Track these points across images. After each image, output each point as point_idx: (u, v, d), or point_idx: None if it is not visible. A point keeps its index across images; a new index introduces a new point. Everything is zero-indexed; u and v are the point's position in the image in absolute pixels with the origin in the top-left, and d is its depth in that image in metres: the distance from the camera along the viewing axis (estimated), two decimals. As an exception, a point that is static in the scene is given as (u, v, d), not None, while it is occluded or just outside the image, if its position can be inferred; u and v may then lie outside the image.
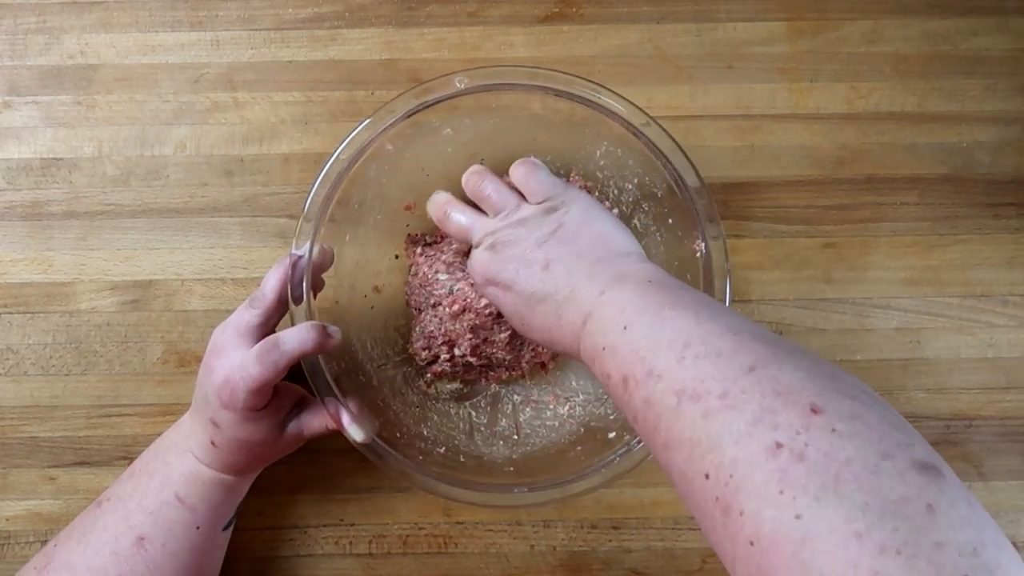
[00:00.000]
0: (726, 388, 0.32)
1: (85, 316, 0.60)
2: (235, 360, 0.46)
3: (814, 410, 0.30)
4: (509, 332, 0.55)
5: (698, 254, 0.51)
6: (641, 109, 0.51)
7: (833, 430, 0.29)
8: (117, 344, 0.60)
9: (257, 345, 0.46)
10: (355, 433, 0.49)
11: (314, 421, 0.51)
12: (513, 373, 0.58)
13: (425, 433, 0.55)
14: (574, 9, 0.62)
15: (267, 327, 0.49)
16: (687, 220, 0.52)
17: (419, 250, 0.58)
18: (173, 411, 0.59)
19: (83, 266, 0.60)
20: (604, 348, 0.40)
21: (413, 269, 0.58)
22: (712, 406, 0.32)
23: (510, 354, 0.56)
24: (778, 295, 0.60)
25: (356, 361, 0.55)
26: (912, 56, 0.62)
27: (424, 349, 0.56)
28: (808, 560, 0.27)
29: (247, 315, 0.48)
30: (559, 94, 0.51)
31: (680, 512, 0.59)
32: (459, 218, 0.51)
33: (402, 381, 0.57)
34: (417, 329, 0.57)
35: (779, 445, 0.29)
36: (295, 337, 0.47)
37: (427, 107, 0.51)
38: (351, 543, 0.59)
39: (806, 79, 0.62)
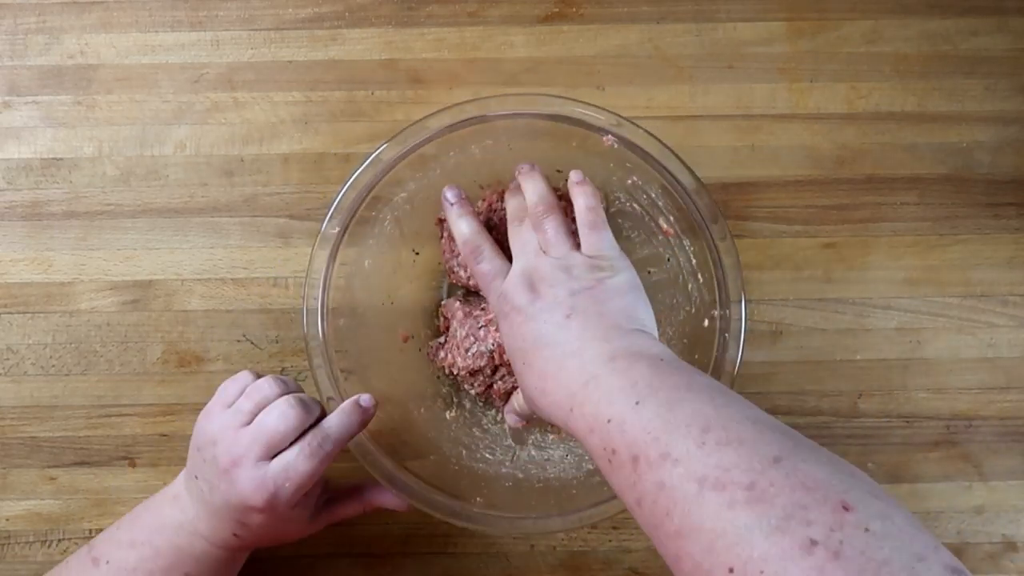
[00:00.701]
0: (753, 479, 0.32)
1: (85, 316, 0.60)
2: (272, 467, 0.45)
3: (845, 507, 0.30)
4: None
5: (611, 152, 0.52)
6: (634, 121, 0.51)
7: (867, 529, 0.29)
8: (117, 344, 0.60)
9: (304, 442, 0.46)
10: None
11: (347, 508, 0.52)
12: None
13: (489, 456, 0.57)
14: (574, 9, 0.62)
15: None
16: (691, 221, 0.52)
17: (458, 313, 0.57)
18: (173, 411, 0.59)
19: (83, 266, 0.60)
20: (610, 420, 0.38)
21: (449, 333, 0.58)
22: (738, 497, 0.32)
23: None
24: (778, 295, 0.60)
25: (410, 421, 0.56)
26: (912, 56, 0.62)
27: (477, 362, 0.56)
28: None
29: (278, 428, 0.46)
30: (555, 119, 0.52)
31: (680, 512, 0.59)
32: (486, 267, 0.50)
33: (463, 424, 0.58)
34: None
35: (814, 542, 0.29)
36: (340, 422, 0.47)
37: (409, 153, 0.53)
38: (351, 543, 0.59)
39: (806, 79, 0.62)
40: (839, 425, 0.60)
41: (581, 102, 0.52)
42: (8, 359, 0.60)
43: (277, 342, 0.60)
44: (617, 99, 0.61)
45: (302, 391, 0.49)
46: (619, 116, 0.52)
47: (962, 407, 0.60)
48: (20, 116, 0.61)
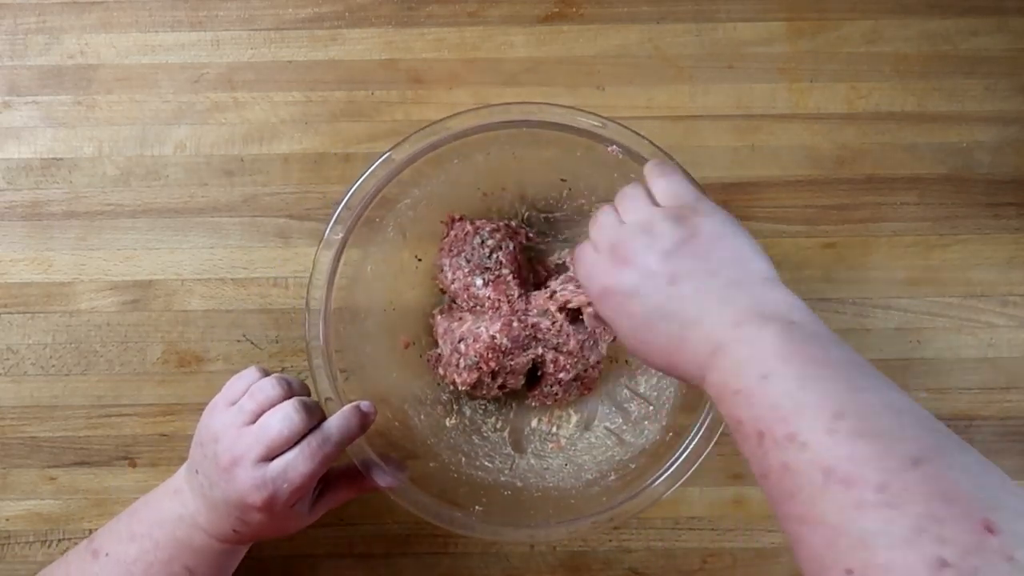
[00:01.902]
0: (885, 480, 0.29)
1: (85, 316, 0.60)
2: (271, 468, 0.45)
3: (989, 528, 0.27)
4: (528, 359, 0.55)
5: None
6: (628, 127, 0.51)
7: (1011, 558, 0.26)
8: (117, 344, 0.60)
9: (304, 444, 0.45)
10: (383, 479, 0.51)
11: (343, 493, 0.51)
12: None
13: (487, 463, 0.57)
14: (574, 9, 0.62)
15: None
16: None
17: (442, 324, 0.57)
18: (173, 411, 0.59)
19: (83, 266, 0.60)
20: (738, 392, 0.36)
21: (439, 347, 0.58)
22: (867, 499, 0.29)
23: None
24: (778, 295, 0.60)
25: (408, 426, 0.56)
26: (912, 56, 0.62)
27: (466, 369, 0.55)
28: None
29: (282, 432, 0.45)
30: (552, 127, 0.52)
31: (680, 512, 0.59)
32: (599, 218, 0.45)
33: (463, 432, 0.58)
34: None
35: (944, 563, 0.27)
36: (341, 425, 0.47)
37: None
38: (351, 543, 0.59)
39: (806, 79, 0.62)
40: (839, 425, 0.60)
41: (581, 110, 0.52)
42: (8, 359, 0.60)
43: (277, 342, 0.60)
44: (617, 99, 0.61)
45: (307, 391, 0.50)
46: (601, 116, 0.52)
47: (962, 407, 0.60)
48: (20, 116, 0.61)
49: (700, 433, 0.50)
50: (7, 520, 0.59)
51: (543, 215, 0.59)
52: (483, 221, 0.56)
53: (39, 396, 0.60)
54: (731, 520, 0.59)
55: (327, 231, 0.52)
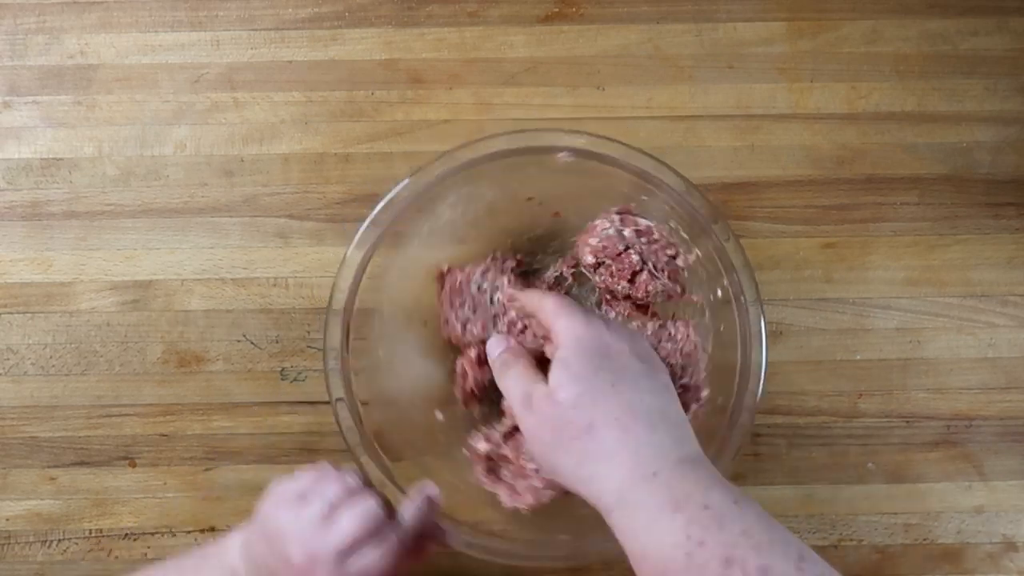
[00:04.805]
0: None
1: (85, 316, 0.60)
2: (351, 567, 0.44)
3: None
4: None
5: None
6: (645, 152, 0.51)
7: None
8: (117, 344, 0.60)
9: (385, 540, 0.45)
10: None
11: (408, 562, 0.49)
12: None
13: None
14: (574, 9, 0.62)
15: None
16: (700, 226, 0.52)
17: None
18: (173, 411, 0.59)
19: (83, 266, 0.60)
20: (707, 507, 0.37)
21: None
22: None
23: None
24: (778, 295, 0.60)
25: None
26: (912, 56, 0.62)
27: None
28: None
29: (360, 532, 0.44)
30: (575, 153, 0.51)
31: (680, 512, 0.59)
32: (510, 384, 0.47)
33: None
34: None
35: None
36: (417, 517, 0.46)
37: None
38: (351, 543, 0.59)
39: (806, 79, 0.62)
40: (839, 425, 0.60)
41: (574, 131, 0.52)
42: (8, 359, 0.60)
43: (277, 342, 0.60)
44: (617, 99, 0.61)
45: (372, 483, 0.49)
46: (596, 135, 0.51)
47: (962, 407, 0.60)
48: (20, 116, 0.61)
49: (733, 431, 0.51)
50: (7, 520, 0.59)
51: (525, 236, 0.57)
52: (471, 266, 0.55)
53: (39, 396, 0.60)
54: (731, 520, 0.59)
55: (350, 246, 0.51)
